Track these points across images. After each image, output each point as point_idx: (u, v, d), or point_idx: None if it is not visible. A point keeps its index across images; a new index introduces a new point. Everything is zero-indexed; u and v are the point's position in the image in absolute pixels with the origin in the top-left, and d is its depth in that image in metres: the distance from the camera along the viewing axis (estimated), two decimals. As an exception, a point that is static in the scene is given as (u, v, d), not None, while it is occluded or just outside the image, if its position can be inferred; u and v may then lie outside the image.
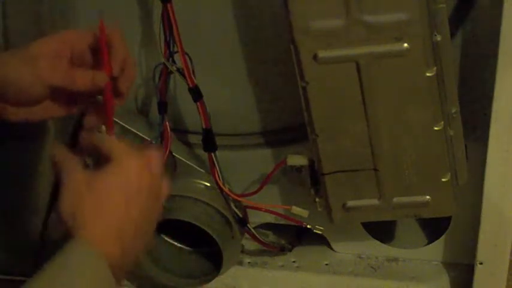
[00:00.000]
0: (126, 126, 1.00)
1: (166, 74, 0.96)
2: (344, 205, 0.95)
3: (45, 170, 1.00)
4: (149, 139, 1.00)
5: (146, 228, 0.74)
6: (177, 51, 0.93)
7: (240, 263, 1.11)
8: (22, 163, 1.02)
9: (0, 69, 0.75)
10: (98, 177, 0.71)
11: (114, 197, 0.70)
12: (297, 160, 0.96)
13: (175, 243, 1.09)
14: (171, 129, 0.99)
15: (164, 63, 0.95)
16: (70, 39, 0.77)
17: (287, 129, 1.01)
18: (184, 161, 1.03)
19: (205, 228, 0.99)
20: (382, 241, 1.09)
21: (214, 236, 1.00)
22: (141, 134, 1.01)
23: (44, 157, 1.00)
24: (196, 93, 0.94)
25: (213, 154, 0.98)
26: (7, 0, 0.96)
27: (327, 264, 1.11)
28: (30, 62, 0.75)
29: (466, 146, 0.93)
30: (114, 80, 0.77)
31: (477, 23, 0.91)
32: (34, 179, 1.02)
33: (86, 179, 0.71)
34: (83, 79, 0.76)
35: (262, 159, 1.03)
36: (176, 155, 1.02)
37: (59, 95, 0.77)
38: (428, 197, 0.93)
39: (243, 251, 1.10)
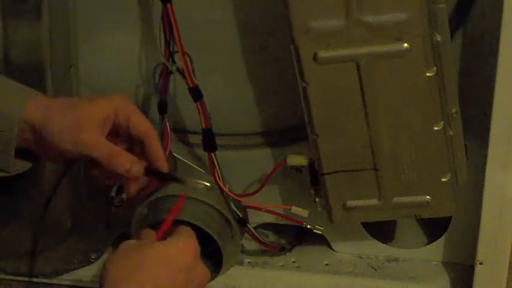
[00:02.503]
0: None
1: (166, 74, 0.96)
2: (344, 205, 0.95)
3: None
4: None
5: None
6: (177, 51, 0.93)
7: (240, 263, 1.11)
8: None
9: (44, 124, 0.75)
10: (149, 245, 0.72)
11: (154, 266, 0.70)
12: (297, 160, 0.96)
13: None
14: (171, 129, 0.99)
15: (164, 63, 0.95)
16: (117, 107, 0.79)
17: (287, 129, 1.01)
18: (184, 161, 1.03)
19: (205, 228, 0.99)
20: (382, 241, 1.10)
21: (214, 236, 1.00)
22: None
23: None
24: (196, 93, 0.94)
25: (213, 154, 0.98)
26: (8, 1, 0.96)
27: (327, 264, 1.11)
28: (75, 127, 0.75)
29: (466, 146, 0.93)
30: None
31: (477, 23, 0.91)
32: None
33: (137, 246, 0.72)
34: (123, 165, 0.78)
35: (262, 159, 1.03)
36: (176, 155, 1.02)
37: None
38: (428, 197, 0.93)
39: (243, 251, 1.10)
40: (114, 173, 0.79)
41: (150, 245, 0.73)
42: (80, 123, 0.76)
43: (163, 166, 0.83)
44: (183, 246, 0.73)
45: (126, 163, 0.78)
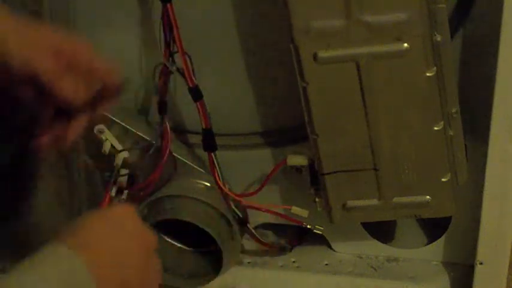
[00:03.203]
0: (125, 126, 1.01)
1: (166, 74, 0.96)
2: (344, 205, 0.95)
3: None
4: (149, 139, 1.00)
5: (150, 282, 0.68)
6: (177, 51, 0.93)
7: (240, 263, 1.10)
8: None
9: None
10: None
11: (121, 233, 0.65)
12: (297, 160, 0.96)
13: (175, 243, 1.09)
14: (171, 129, 0.99)
15: (164, 63, 0.95)
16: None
17: (287, 129, 1.01)
18: (184, 160, 1.03)
19: (205, 228, 0.99)
20: (382, 241, 1.09)
21: (214, 236, 1.00)
22: (141, 134, 1.01)
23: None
24: (196, 93, 0.94)
25: (213, 154, 0.98)
26: (6, 0, 0.96)
27: (326, 264, 1.11)
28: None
29: (466, 146, 0.93)
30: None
31: (477, 23, 0.91)
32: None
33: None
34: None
35: (262, 159, 1.03)
36: (176, 155, 1.02)
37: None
38: (428, 197, 0.93)
39: (243, 251, 1.10)
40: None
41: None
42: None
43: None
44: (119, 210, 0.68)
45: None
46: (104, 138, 0.99)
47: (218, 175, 0.99)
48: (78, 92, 0.71)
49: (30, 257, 0.59)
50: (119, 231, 0.66)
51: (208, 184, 1.03)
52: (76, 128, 0.73)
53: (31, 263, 0.59)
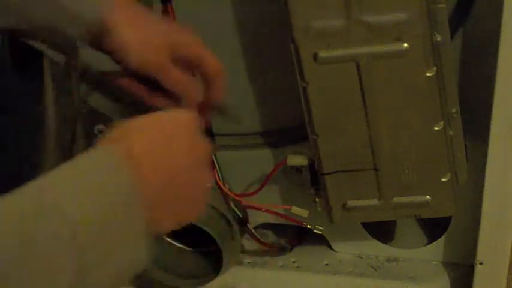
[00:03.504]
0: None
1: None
2: (344, 205, 0.95)
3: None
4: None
5: (195, 189, 0.65)
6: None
7: (240, 263, 1.11)
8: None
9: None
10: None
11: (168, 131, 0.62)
12: (297, 160, 0.96)
13: (175, 243, 1.09)
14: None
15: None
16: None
17: (287, 129, 1.01)
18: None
19: (206, 228, 0.99)
20: (382, 241, 1.10)
21: (214, 236, 1.00)
22: None
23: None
24: (196, 93, 0.94)
25: (213, 154, 0.98)
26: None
27: (326, 264, 1.11)
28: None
29: (466, 146, 0.93)
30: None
31: (477, 23, 0.91)
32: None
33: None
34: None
35: (262, 159, 1.03)
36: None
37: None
38: (428, 197, 0.93)
39: (243, 251, 1.10)
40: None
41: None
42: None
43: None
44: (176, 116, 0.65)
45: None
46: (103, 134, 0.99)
47: (218, 175, 0.99)
48: (188, 86, 0.75)
49: (75, 159, 0.55)
50: (170, 139, 0.62)
51: (209, 184, 1.02)
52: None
53: (74, 166, 0.56)
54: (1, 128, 0.91)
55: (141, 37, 0.73)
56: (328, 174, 0.93)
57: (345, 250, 1.12)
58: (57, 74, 0.94)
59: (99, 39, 0.73)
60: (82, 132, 1.00)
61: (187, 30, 0.77)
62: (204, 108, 0.78)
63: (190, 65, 0.77)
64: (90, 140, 1.01)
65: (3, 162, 0.92)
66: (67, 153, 0.99)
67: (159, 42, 0.74)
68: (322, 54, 0.84)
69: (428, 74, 0.84)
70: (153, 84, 0.76)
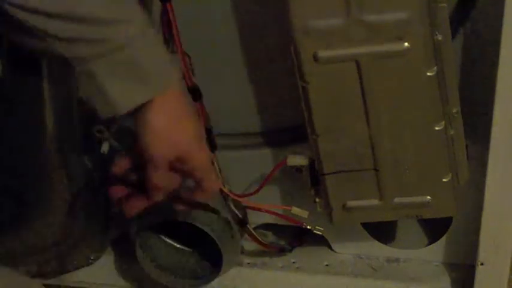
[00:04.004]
0: (124, 125, 1.00)
1: (165, 73, 0.96)
2: (344, 205, 0.95)
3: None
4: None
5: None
6: (176, 51, 0.92)
7: (240, 264, 1.11)
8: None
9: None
10: None
11: None
12: (297, 160, 0.96)
13: (175, 244, 1.09)
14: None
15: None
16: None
17: (287, 129, 1.01)
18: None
19: (205, 229, 0.99)
20: (383, 242, 1.09)
21: (214, 237, 1.00)
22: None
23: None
24: (195, 93, 0.94)
25: (213, 154, 0.98)
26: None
27: (327, 265, 1.11)
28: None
29: (467, 146, 0.93)
30: None
31: (478, 22, 0.91)
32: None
33: None
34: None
35: (262, 159, 1.03)
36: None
37: None
38: (429, 197, 0.93)
39: (242, 252, 1.10)
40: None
41: None
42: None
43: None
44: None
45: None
46: (103, 138, 0.99)
47: (218, 175, 0.98)
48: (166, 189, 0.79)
49: None
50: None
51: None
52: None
53: None
54: (3, 129, 0.91)
55: (163, 135, 0.76)
56: (328, 174, 0.92)
57: (345, 251, 1.11)
58: (56, 75, 0.94)
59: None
60: (82, 133, 1.00)
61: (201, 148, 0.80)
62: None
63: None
64: (90, 140, 1.01)
65: (4, 162, 0.92)
66: (66, 154, 0.99)
67: (171, 151, 0.77)
68: (322, 54, 0.83)
69: (429, 74, 0.84)
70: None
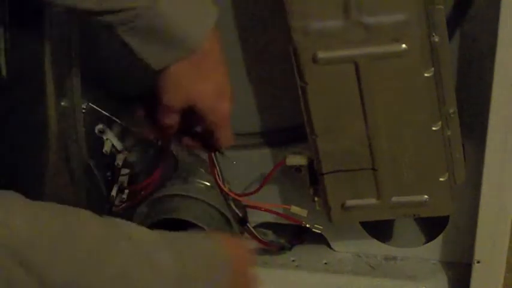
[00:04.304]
0: (127, 126, 1.01)
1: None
2: (343, 204, 0.95)
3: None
4: (150, 139, 1.00)
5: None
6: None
7: (240, 262, 1.11)
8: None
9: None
10: None
11: None
12: (297, 160, 0.96)
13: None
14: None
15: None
16: None
17: (287, 129, 1.02)
18: (185, 160, 1.03)
19: (206, 227, 1.00)
20: (381, 240, 1.10)
21: (214, 235, 1.00)
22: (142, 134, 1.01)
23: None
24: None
25: (213, 154, 0.98)
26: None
27: (326, 263, 1.11)
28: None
29: (463, 146, 0.93)
30: None
31: (474, 24, 0.92)
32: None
33: None
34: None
35: (262, 159, 1.03)
36: (177, 155, 1.03)
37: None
38: (426, 196, 0.93)
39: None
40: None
41: None
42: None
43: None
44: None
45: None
46: (105, 138, 1.00)
47: (218, 175, 0.98)
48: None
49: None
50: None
51: (209, 184, 1.03)
52: None
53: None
54: (4, 129, 0.91)
55: (177, 81, 0.80)
56: (327, 174, 0.93)
57: (343, 249, 1.12)
58: (58, 73, 0.94)
59: None
60: (83, 132, 1.00)
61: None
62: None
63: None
64: (90, 140, 1.01)
65: (6, 162, 0.92)
66: (68, 153, 0.99)
67: (183, 98, 0.81)
68: (321, 55, 0.84)
69: (426, 75, 0.85)
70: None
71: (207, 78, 0.81)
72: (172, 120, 0.83)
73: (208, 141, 0.87)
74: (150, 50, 0.77)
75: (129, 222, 0.69)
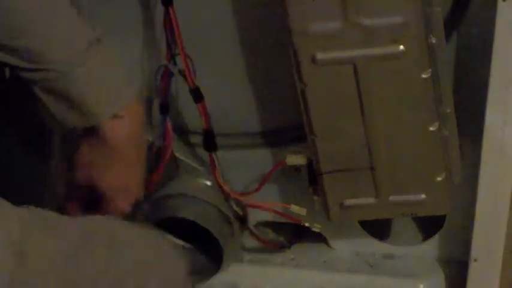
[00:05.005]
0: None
1: (167, 75, 0.96)
2: (341, 204, 0.95)
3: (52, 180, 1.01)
4: (151, 139, 1.01)
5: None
6: (178, 53, 0.93)
7: (240, 260, 1.11)
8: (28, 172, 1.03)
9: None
10: None
11: None
12: (296, 160, 0.96)
13: (176, 241, 1.09)
14: (173, 130, 0.99)
15: (166, 65, 0.95)
16: None
17: (287, 129, 1.02)
18: (186, 160, 1.03)
19: (206, 226, 1.00)
20: (379, 239, 1.10)
21: (214, 234, 1.00)
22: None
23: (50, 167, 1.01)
24: (197, 95, 0.95)
25: (213, 154, 0.98)
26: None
27: (324, 261, 1.12)
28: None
29: (460, 146, 0.94)
30: None
31: (471, 26, 0.92)
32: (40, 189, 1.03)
33: None
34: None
35: (262, 159, 1.03)
36: (178, 155, 1.03)
37: None
38: (423, 195, 0.93)
39: (243, 249, 1.10)
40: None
41: None
42: None
43: None
44: None
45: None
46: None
47: (219, 174, 0.99)
48: None
49: None
50: None
51: (209, 183, 1.03)
52: None
53: None
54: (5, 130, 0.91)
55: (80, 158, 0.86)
56: (326, 173, 0.92)
57: (342, 247, 1.12)
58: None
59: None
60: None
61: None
62: None
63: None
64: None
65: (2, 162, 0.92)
66: (69, 152, 0.99)
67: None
68: (320, 56, 0.84)
69: (423, 76, 0.84)
70: None
71: (116, 172, 0.85)
72: (77, 191, 0.88)
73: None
74: (59, 110, 0.81)
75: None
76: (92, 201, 0.89)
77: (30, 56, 0.78)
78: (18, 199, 0.99)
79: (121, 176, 0.86)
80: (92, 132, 0.84)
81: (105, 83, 0.82)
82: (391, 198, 0.94)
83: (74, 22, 0.81)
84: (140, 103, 0.86)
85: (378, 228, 1.09)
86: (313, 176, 0.95)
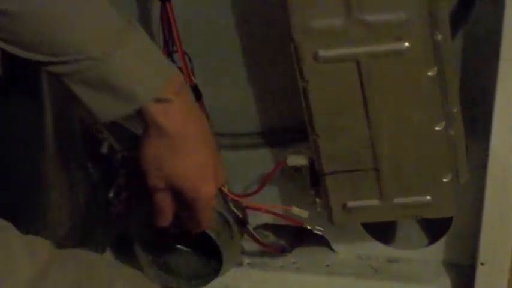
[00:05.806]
0: (124, 125, 1.00)
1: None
2: (344, 206, 0.95)
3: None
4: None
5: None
6: (176, 51, 0.93)
7: (240, 264, 1.11)
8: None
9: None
10: None
11: None
12: (297, 160, 0.96)
13: (175, 244, 1.09)
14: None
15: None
16: None
17: (287, 129, 1.02)
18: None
19: (205, 229, 0.99)
20: (383, 242, 1.10)
21: (213, 237, 0.99)
22: (140, 134, 1.01)
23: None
24: (195, 93, 0.94)
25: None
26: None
27: (327, 265, 1.12)
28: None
29: (467, 146, 0.93)
30: None
31: (478, 22, 0.91)
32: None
33: None
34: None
35: (262, 159, 1.04)
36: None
37: None
38: (429, 197, 0.93)
39: (242, 252, 1.10)
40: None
41: None
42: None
43: None
44: None
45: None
46: (102, 138, 0.99)
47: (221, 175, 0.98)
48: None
49: None
50: None
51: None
52: None
53: None
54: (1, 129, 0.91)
55: (154, 165, 0.82)
56: (328, 174, 0.92)
57: (345, 251, 1.12)
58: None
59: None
60: (80, 133, 1.00)
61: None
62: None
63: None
64: (87, 140, 1.01)
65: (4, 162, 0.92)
66: (66, 154, 0.99)
67: (162, 182, 0.83)
68: (322, 53, 0.83)
69: (429, 74, 0.84)
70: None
71: (186, 157, 0.81)
72: (164, 199, 0.84)
73: (187, 223, 0.88)
74: (96, 101, 0.77)
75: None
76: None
77: (61, 48, 0.74)
78: (18, 199, 0.99)
79: (192, 161, 0.82)
80: (147, 129, 0.80)
81: (144, 63, 0.78)
82: (396, 200, 0.94)
83: (106, 6, 0.77)
84: (185, 83, 0.83)
85: (382, 231, 1.09)
86: (315, 177, 0.95)
